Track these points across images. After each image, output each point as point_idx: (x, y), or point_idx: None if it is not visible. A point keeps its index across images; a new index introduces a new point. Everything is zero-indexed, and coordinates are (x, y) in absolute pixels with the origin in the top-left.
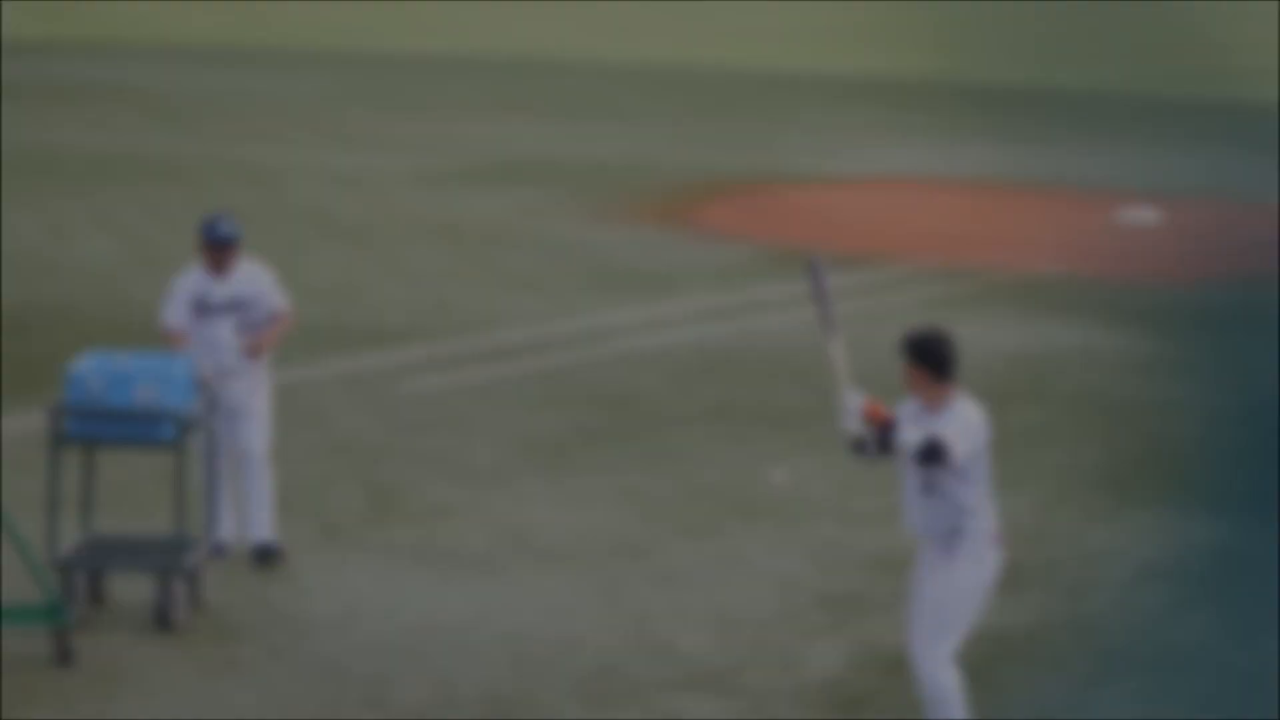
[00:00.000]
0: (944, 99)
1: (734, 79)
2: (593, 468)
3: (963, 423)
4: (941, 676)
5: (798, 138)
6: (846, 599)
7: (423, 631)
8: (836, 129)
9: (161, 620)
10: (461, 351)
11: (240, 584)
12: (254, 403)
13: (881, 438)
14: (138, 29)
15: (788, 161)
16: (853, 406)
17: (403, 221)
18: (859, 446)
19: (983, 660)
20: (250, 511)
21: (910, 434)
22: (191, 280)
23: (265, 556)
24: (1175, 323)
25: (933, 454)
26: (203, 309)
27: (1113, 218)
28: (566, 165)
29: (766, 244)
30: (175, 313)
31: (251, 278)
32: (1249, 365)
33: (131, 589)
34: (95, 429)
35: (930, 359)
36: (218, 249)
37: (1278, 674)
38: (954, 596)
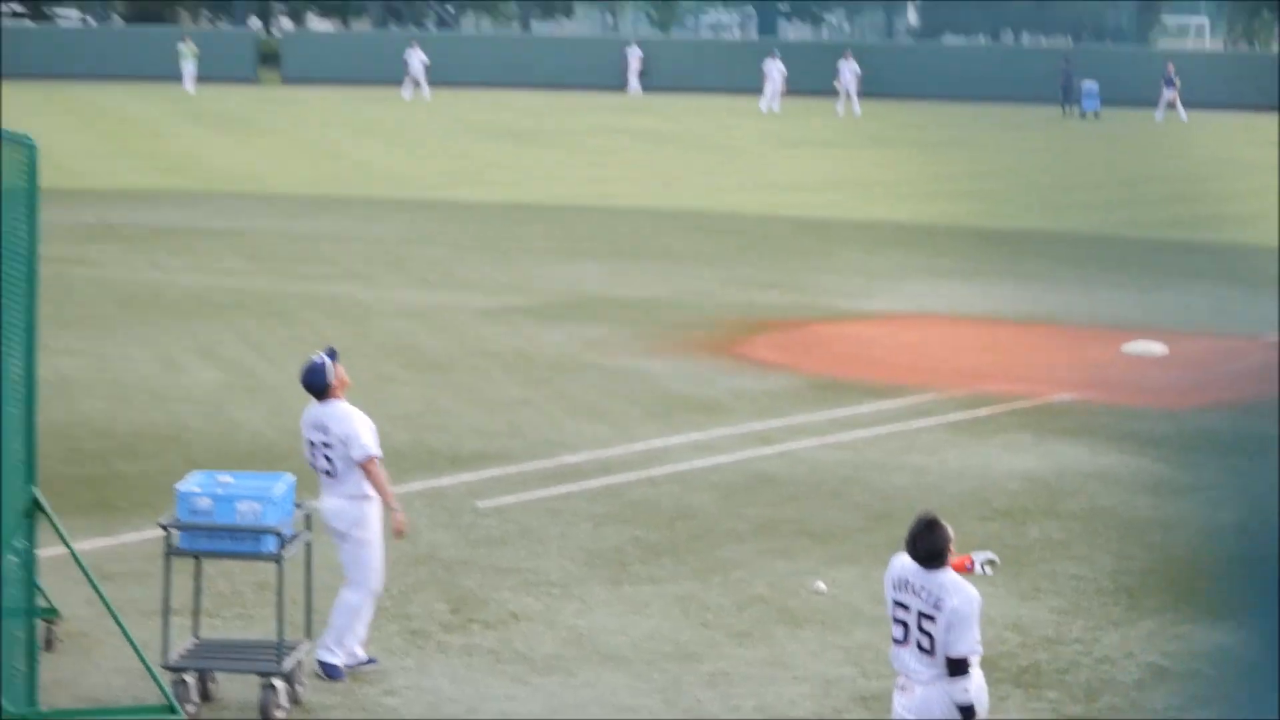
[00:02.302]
0: (968, 243)
1: (778, 225)
2: (651, 578)
3: (976, 604)
4: None
5: (835, 278)
6: (884, 697)
7: None
8: (871, 270)
9: (264, 718)
10: (532, 472)
11: (334, 684)
12: (356, 532)
13: None
14: (245, 182)
15: (826, 299)
16: None
17: (478, 353)
18: None
19: None
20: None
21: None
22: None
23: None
24: (1180, 446)
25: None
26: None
27: (1121, 350)
28: (625, 303)
29: (807, 375)
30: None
31: (341, 417)
32: (1248, 485)
33: (236, 689)
34: (203, 543)
35: (919, 554)
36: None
37: None
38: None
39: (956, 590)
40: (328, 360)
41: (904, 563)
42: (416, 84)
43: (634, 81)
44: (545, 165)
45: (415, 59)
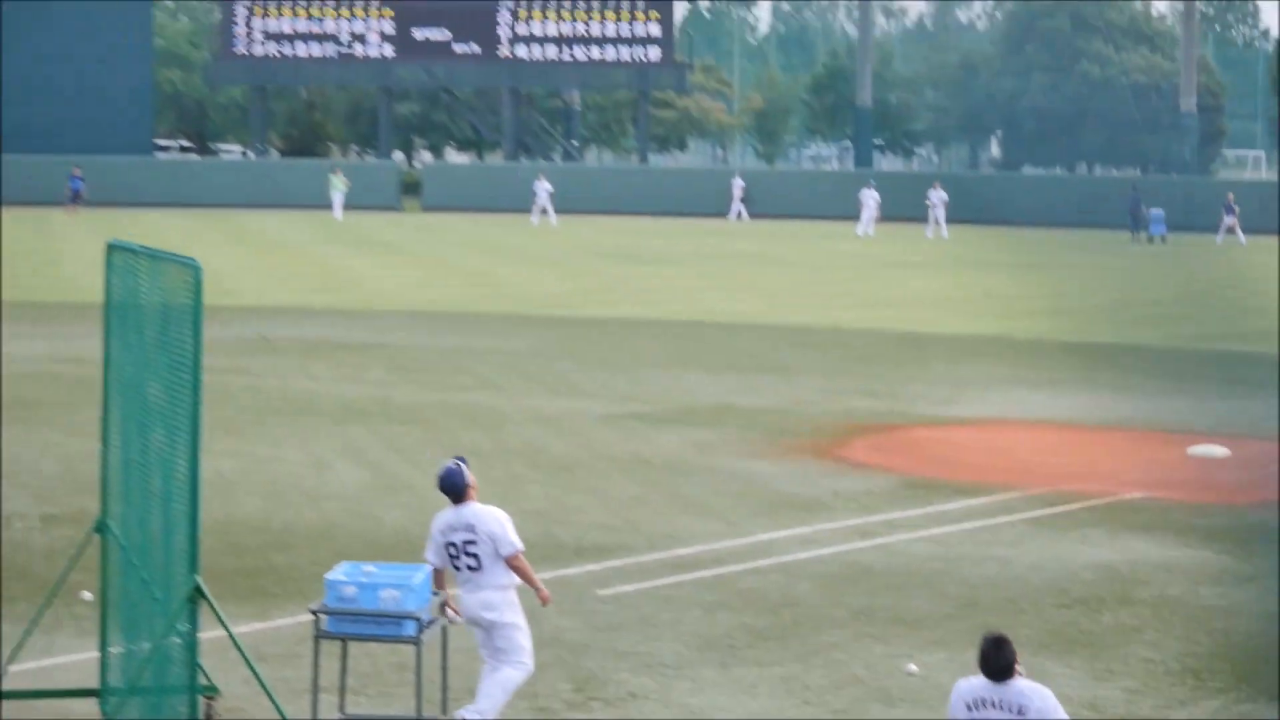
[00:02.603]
0: (1047, 355)
1: (875, 338)
2: (757, 660)
3: (1052, 697)
4: None
5: (927, 386)
6: None
7: None
8: (959, 379)
9: None
10: (649, 563)
11: None
12: (509, 618)
13: None
14: (389, 300)
15: (919, 406)
16: None
17: (600, 456)
18: None
19: None
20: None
21: None
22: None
23: None
24: (1241, 539)
25: None
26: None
27: (1186, 452)
28: (734, 410)
29: (902, 475)
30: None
31: (486, 517)
32: None
33: None
34: (349, 627)
35: (993, 670)
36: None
37: None
38: None
39: (1034, 693)
40: (463, 465)
41: (971, 685)
42: (544, 211)
43: (738, 208)
44: (661, 285)
45: (542, 188)
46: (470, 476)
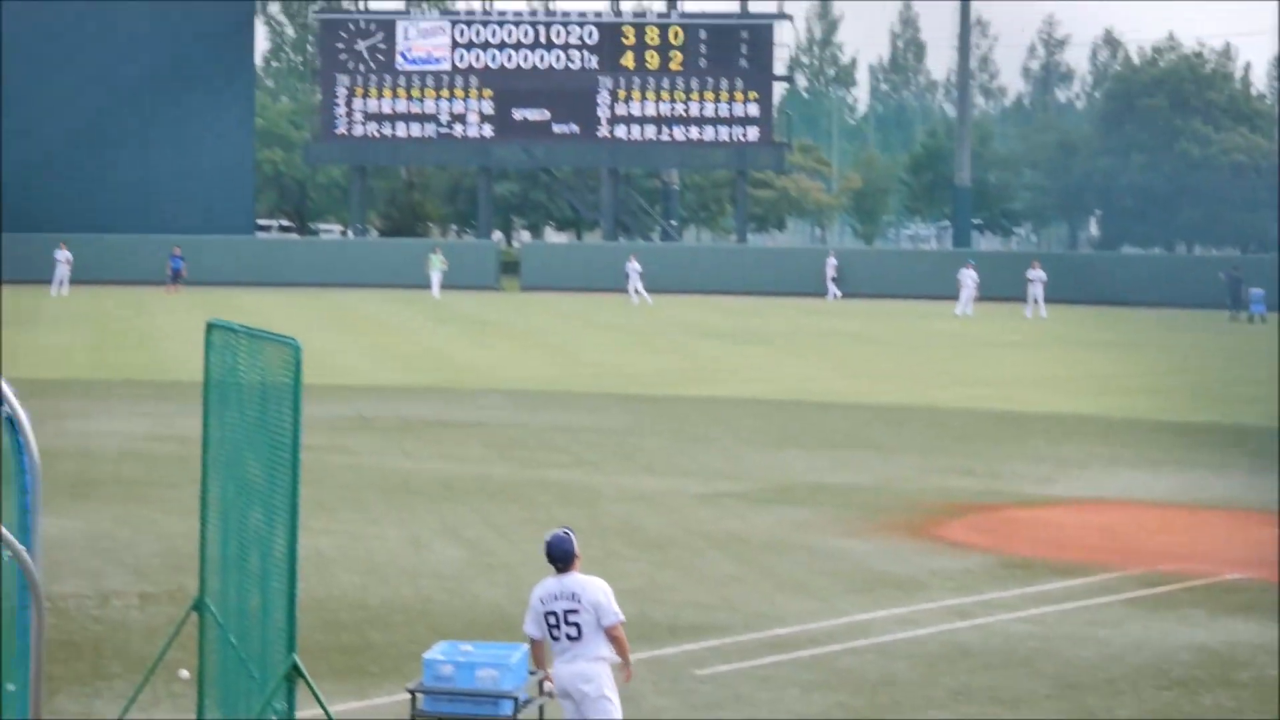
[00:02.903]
0: (1145, 434)
1: (972, 417)
2: None
3: None
4: None
5: (1025, 465)
6: None
7: None
8: (1058, 458)
9: None
10: (746, 642)
11: None
12: (606, 691)
13: None
14: (487, 378)
15: (1017, 485)
16: None
17: (696, 534)
18: None
19: None
20: None
21: None
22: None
23: None
24: None
25: None
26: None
27: None
28: (831, 488)
29: (1000, 555)
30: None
31: (590, 586)
32: None
33: None
34: (445, 706)
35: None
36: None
37: None
38: None
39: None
40: (571, 534)
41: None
42: (637, 290)
43: (831, 287)
44: (758, 363)
45: (633, 269)
46: (577, 545)
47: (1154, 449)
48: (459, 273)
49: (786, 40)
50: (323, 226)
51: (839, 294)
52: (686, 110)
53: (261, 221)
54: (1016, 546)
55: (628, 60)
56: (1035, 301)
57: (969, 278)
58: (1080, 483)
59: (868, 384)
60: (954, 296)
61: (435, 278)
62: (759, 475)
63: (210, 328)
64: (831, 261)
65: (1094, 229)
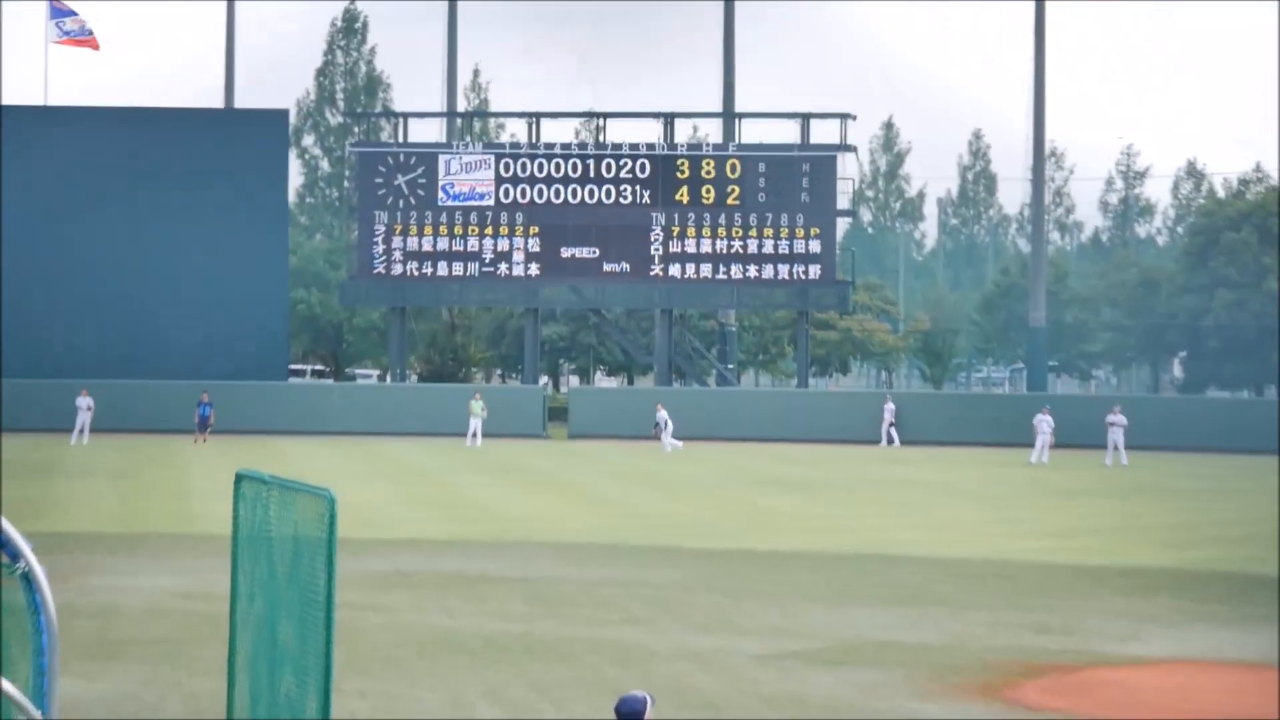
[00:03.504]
0: (1231, 588)
1: (1047, 571)
2: None
3: None
4: None
5: (1103, 621)
6: None
7: None
8: (1138, 614)
9: None
10: None
11: None
12: None
13: None
14: (532, 530)
15: (1095, 643)
16: None
17: (752, 696)
18: None
19: None
20: None
21: None
22: None
23: None
24: None
25: None
26: None
27: None
28: (897, 647)
29: (1076, 718)
30: None
31: None
32: None
33: None
34: None
35: None
36: None
37: None
38: None
39: None
40: (650, 699)
41: None
42: (666, 437)
43: (888, 434)
44: (818, 514)
45: (661, 418)
46: (650, 713)
47: (1242, 604)
48: (504, 419)
49: (850, 173)
50: (360, 371)
51: (897, 441)
52: (744, 247)
53: (295, 366)
54: (1096, 709)
55: (682, 195)
56: (1115, 448)
57: (1045, 423)
58: (1162, 641)
59: (935, 535)
60: (1029, 443)
61: (475, 424)
62: (820, 633)
63: (240, 478)
64: (889, 407)
65: (1177, 371)
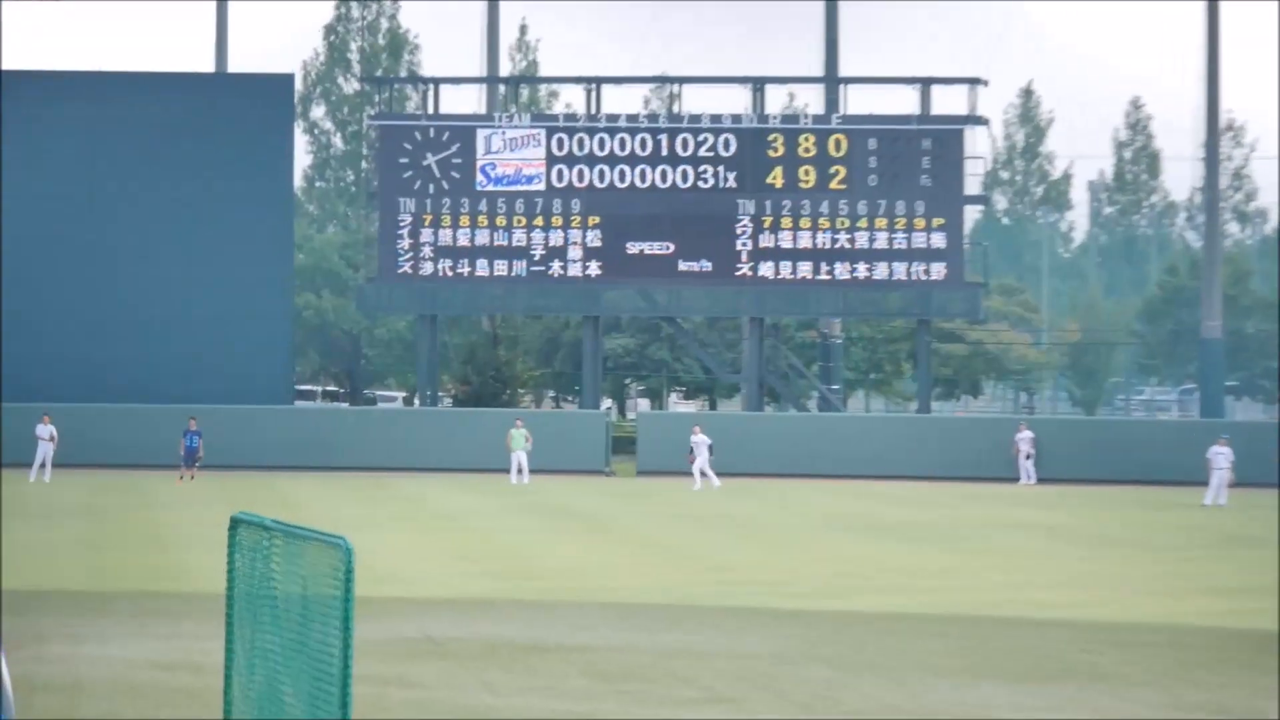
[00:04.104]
0: None
1: (1224, 638)
2: None
3: None
4: None
5: None
6: None
7: None
8: None
9: None
10: None
11: None
12: None
13: None
14: (590, 588)
15: None
16: None
17: None
18: None
19: None
20: None
21: None
22: None
23: None
24: None
25: None
26: None
27: None
28: None
29: None
30: None
31: None
32: None
33: None
34: None
35: None
36: None
37: None
38: None
39: None
40: None
41: None
42: (703, 471)
43: (1024, 469)
44: (941, 567)
45: (699, 442)
46: None
47: None
48: (558, 452)
49: (981, 150)
50: (381, 393)
51: (1033, 477)
52: (851, 241)
53: (302, 387)
54: None
55: (775, 177)
56: None
57: (1222, 456)
58: None
59: (1085, 595)
60: (1202, 481)
61: (518, 458)
62: (948, 713)
63: (236, 524)
64: (1027, 435)
65: None
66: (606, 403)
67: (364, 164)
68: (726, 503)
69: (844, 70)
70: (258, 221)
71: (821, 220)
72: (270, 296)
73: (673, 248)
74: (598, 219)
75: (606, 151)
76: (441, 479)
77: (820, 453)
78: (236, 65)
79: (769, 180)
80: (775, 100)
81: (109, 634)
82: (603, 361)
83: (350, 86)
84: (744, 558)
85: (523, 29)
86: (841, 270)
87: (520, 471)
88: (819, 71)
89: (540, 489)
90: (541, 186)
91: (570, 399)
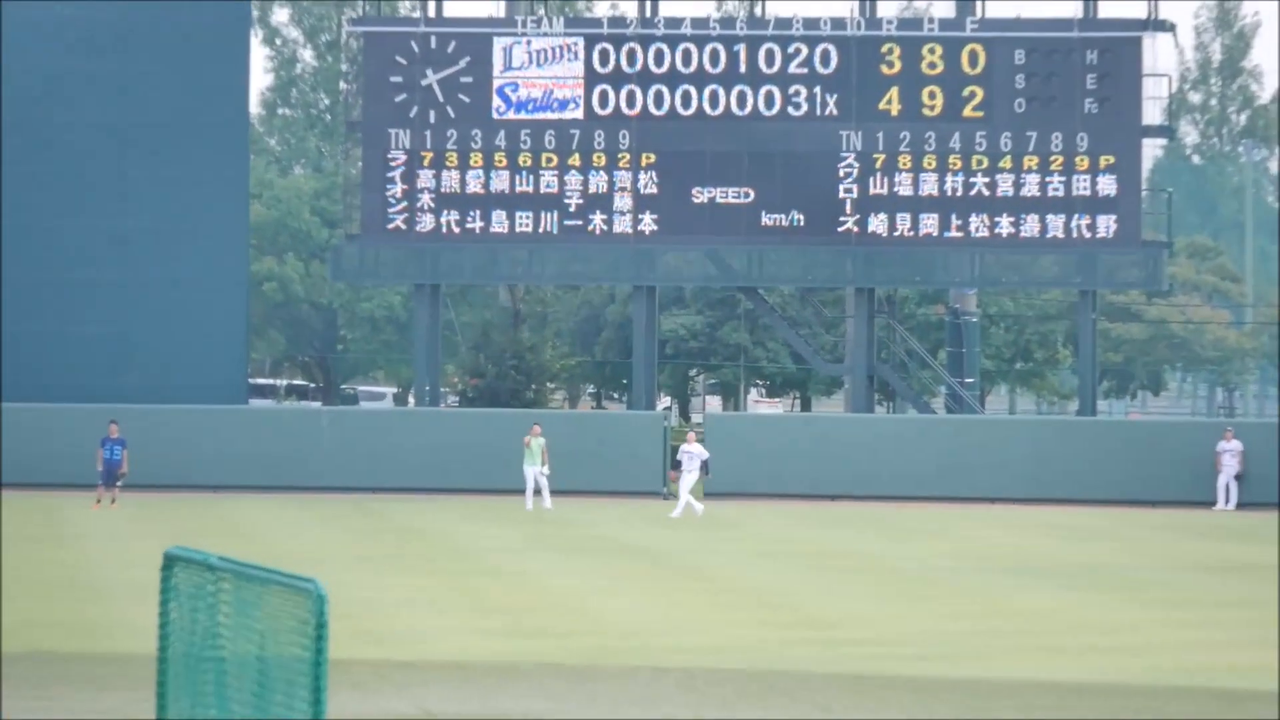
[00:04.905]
0: None
1: None
2: None
3: None
4: None
5: None
6: None
7: None
8: None
9: None
10: None
11: None
12: None
13: None
14: (642, 646)
15: None
16: None
17: None
18: None
19: None
20: None
21: None
22: None
23: None
24: None
25: None
26: None
27: None
28: None
29: None
30: None
31: None
32: None
33: None
34: None
35: None
36: None
37: None
38: None
39: None
40: None
41: None
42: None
43: (1226, 489)
44: (1115, 622)
45: (690, 453)
46: None
47: None
48: (602, 467)
49: (1164, 66)
50: (365, 389)
51: (1232, 501)
52: (992, 187)
53: (260, 381)
54: None
55: (889, 102)
56: None
57: None
58: None
59: None
60: None
61: (534, 474)
62: None
63: (171, 562)
64: (1232, 446)
65: None
66: (664, 402)
67: (342, 85)
68: (827, 535)
69: None
70: (201, 160)
71: (951, 159)
72: (218, 261)
73: (753, 195)
74: (653, 157)
75: (665, 68)
76: (446, 503)
77: (950, 468)
78: None
79: (881, 106)
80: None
81: (5, 708)
82: (659, 347)
83: None
84: (853, 608)
85: None
86: (978, 225)
87: (539, 493)
88: None
89: (577, 516)
90: (579, 114)
91: (617, 396)
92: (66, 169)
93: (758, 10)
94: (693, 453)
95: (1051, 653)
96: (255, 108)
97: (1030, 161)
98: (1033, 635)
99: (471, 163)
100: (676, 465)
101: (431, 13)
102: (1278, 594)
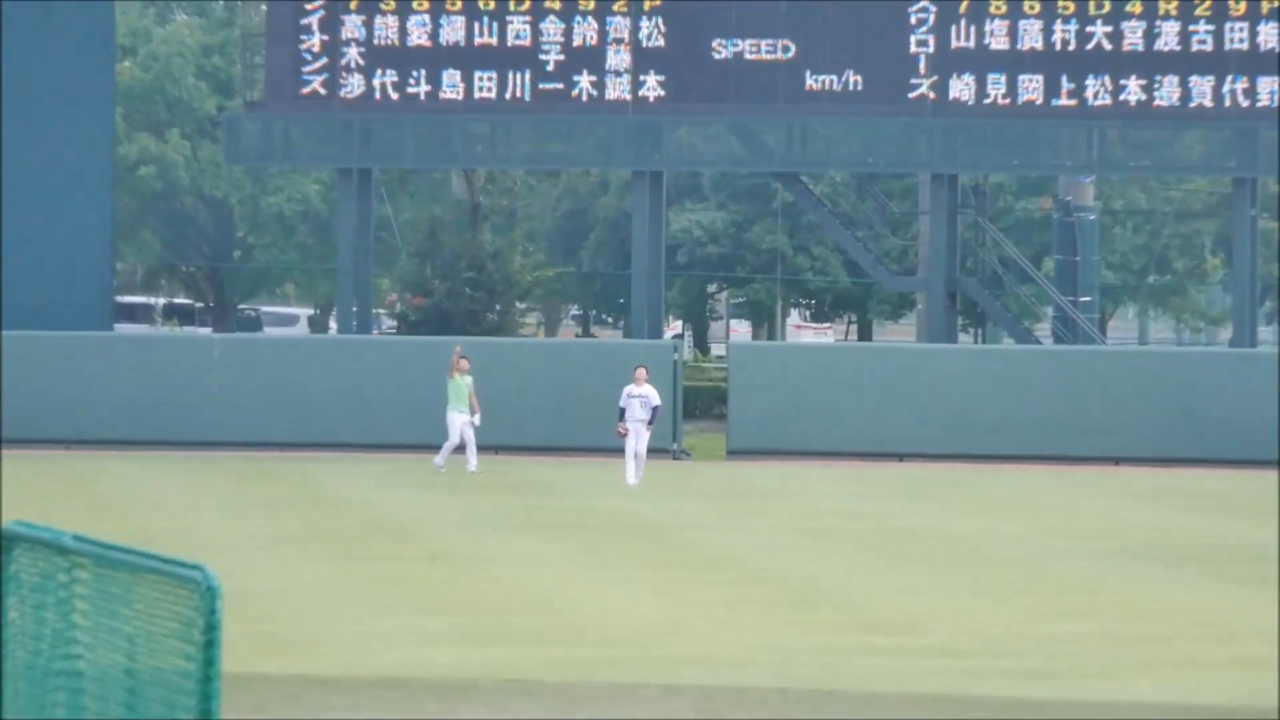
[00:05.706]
0: None
1: None
2: None
3: None
4: None
5: None
6: None
7: None
8: None
9: None
10: None
11: None
12: None
13: None
14: (649, 654)
15: None
16: None
17: None
18: None
19: None
20: None
21: None
22: None
23: None
24: None
25: None
26: None
27: None
28: None
29: None
30: None
31: None
32: None
33: None
34: None
35: None
36: None
37: None
38: None
39: None
40: None
41: None
42: (636, 456)
43: None
44: (1245, 616)
45: (635, 398)
46: None
47: None
48: (590, 417)
49: None
50: (271, 310)
51: None
52: (1114, 37)
53: (130, 300)
54: None
55: None
56: None
57: None
58: None
59: None
60: None
61: (461, 424)
62: None
63: (11, 542)
64: None
65: None
66: (674, 327)
67: None
68: (893, 507)
69: None
70: (50, 8)
71: (1062, 4)
72: (72, 140)
73: (794, 50)
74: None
75: None
76: (377, 463)
77: (1060, 417)
78: None
79: None
80: None
81: None
82: (668, 254)
83: None
84: (930, 606)
85: None
86: (1096, 90)
87: (463, 449)
88: None
89: (555, 482)
90: None
91: (610, 320)
92: None
93: None
94: (640, 396)
95: (1203, 667)
96: None
97: (1169, 5)
98: (1177, 643)
99: (415, 4)
100: (620, 418)
101: None
102: None
